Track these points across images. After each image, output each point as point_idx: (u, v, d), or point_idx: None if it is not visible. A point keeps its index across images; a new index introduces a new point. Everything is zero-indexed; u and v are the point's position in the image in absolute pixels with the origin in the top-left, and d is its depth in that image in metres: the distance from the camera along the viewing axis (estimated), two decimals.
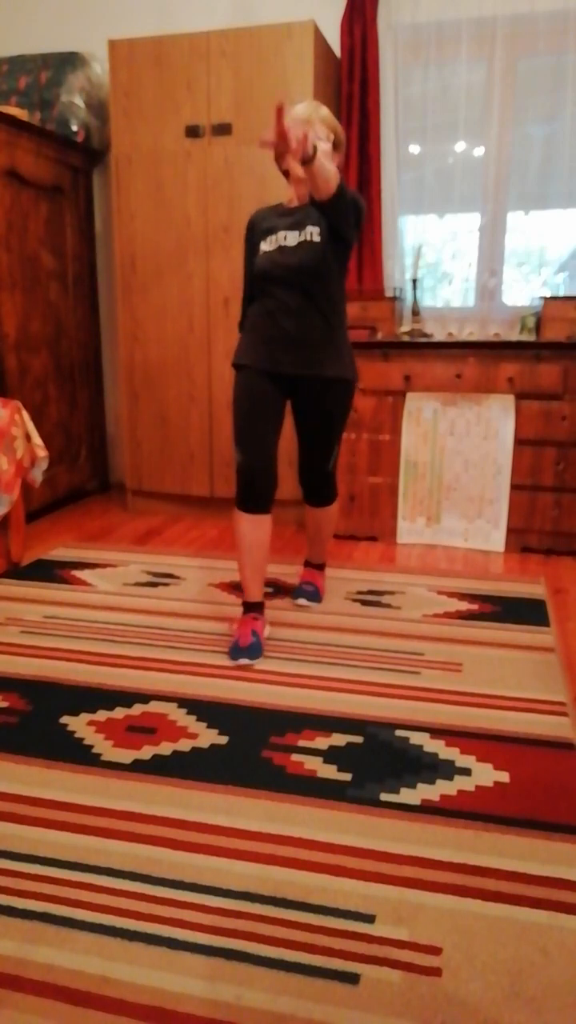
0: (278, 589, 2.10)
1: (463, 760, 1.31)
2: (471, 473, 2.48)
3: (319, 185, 1.48)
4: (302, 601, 1.97)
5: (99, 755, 1.32)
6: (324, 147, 1.61)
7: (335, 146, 1.69)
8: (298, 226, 1.70)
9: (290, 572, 2.24)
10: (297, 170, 1.55)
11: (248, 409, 1.67)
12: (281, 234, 1.70)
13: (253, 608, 1.74)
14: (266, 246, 1.72)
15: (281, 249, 1.69)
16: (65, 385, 2.92)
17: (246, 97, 2.46)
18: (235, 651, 1.65)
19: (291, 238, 1.69)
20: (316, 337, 1.68)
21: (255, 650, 1.66)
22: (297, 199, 1.73)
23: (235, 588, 2.11)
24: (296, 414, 1.80)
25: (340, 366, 1.72)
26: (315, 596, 1.99)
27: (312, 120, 1.63)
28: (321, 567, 2.06)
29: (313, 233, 1.68)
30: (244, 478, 1.67)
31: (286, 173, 1.72)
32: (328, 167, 1.48)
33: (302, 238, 1.69)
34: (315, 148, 1.42)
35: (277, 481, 1.70)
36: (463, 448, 2.47)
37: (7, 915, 0.97)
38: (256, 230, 1.76)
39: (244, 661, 1.64)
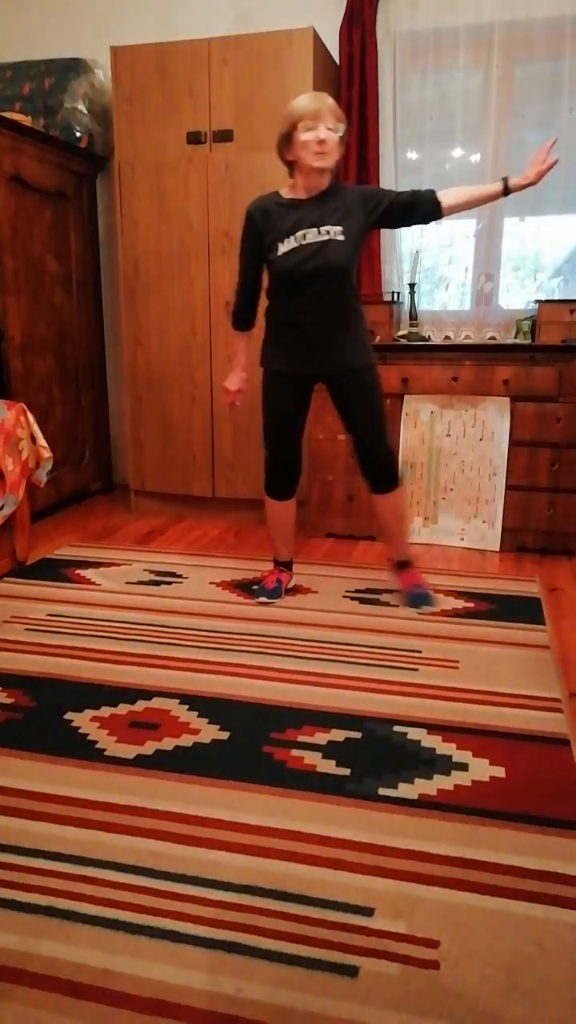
0: (408, 596, 2.09)
1: (460, 755, 1.33)
2: (468, 474, 2.50)
3: (470, 207, 1.81)
4: (424, 608, 1.92)
5: (102, 750, 1.34)
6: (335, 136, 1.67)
7: (340, 136, 1.69)
8: (317, 223, 1.69)
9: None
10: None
11: (274, 413, 1.88)
12: (300, 233, 1.69)
13: (281, 564, 2.09)
14: (284, 246, 1.71)
15: (303, 248, 1.69)
16: (69, 388, 2.94)
17: (247, 104, 2.48)
18: (259, 591, 2.00)
19: (311, 235, 1.69)
20: (339, 333, 1.76)
21: (275, 593, 2.00)
22: (305, 190, 1.72)
23: (236, 587, 2.13)
24: (337, 406, 1.87)
25: (363, 354, 1.80)
26: (428, 599, 1.93)
27: (323, 111, 1.63)
28: (411, 564, 2.01)
29: (334, 232, 1.69)
30: (270, 471, 1.94)
31: (290, 163, 1.72)
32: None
33: (324, 236, 1.69)
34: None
35: (300, 472, 1.96)
36: (460, 449, 2.49)
37: (10, 909, 0.99)
38: (265, 226, 1.73)
39: (263, 599, 1.97)
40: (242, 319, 1.90)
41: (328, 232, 1.69)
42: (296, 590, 2.11)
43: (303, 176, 1.71)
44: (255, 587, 2.09)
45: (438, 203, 1.77)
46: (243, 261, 1.84)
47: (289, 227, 1.71)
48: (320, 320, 1.74)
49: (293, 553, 2.12)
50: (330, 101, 1.67)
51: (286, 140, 1.69)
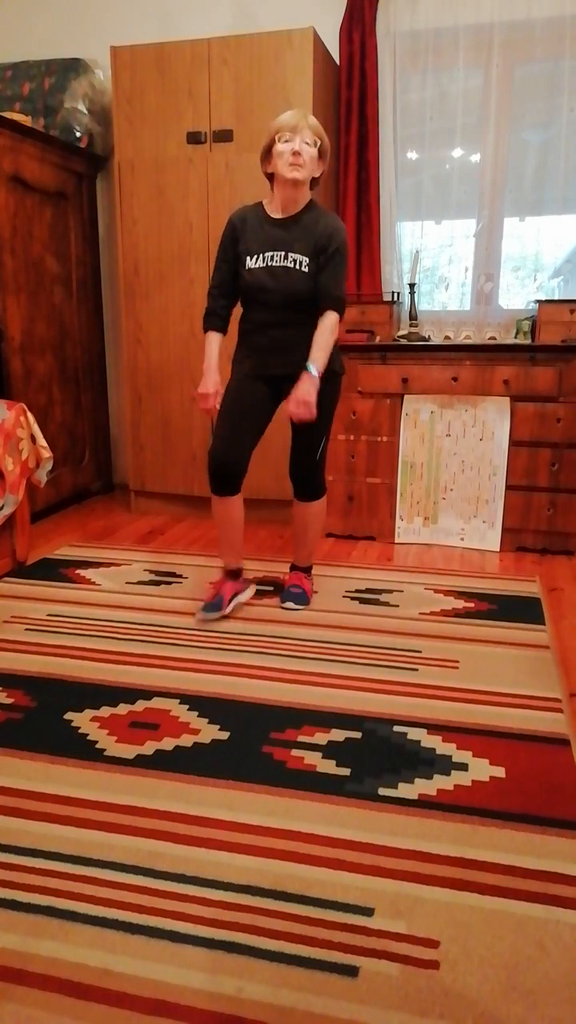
0: (278, 587, 2.12)
1: (460, 755, 1.33)
2: (468, 474, 2.50)
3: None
4: (290, 605, 1.96)
5: (102, 750, 1.34)
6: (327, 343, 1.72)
7: (320, 153, 1.74)
8: (285, 247, 1.75)
9: (286, 571, 2.25)
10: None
11: (231, 407, 1.83)
12: (269, 254, 1.76)
13: (227, 574, 1.96)
14: (252, 263, 1.78)
15: (269, 269, 1.76)
16: (69, 387, 2.94)
17: (247, 104, 2.48)
18: (201, 607, 1.91)
19: (278, 258, 1.75)
20: (302, 342, 1.78)
21: (212, 607, 1.89)
22: (282, 208, 1.77)
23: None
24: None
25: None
26: (302, 599, 1.97)
27: (301, 126, 1.68)
28: (308, 570, 2.07)
29: (300, 262, 1.75)
30: (211, 466, 1.82)
31: (270, 176, 1.77)
32: (328, 350, 1.74)
33: (289, 263, 1.75)
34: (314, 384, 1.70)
35: (244, 470, 1.83)
36: (460, 449, 2.49)
37: (11, 909, 0.99)
38: (240, 238, 1.79)
39: (200, 615, 1.88)
40: (215, 318, 1.85)
41: (295, 261, 1.74)
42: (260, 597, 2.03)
43: (279, 188, 1.75)
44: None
45: (321, 314, 1.75)
46: (219, 263, 1.85)
47: (259, 245, 1.77)
48: (282, 329, 1.79)
49: (240, 559, 1.95)
50: (313, 120, 1.71)
51: (266, 152, 1.75)
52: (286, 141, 1.69)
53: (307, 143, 1.69)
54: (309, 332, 1.78)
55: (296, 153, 1.68)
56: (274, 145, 1.71)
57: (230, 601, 1.92)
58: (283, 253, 1.75)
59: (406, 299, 2.72)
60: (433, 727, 1.41)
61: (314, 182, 1.79)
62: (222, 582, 1.95)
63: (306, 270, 1.74)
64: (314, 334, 1.74)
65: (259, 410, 1.85)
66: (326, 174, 1.87)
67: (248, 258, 1.78)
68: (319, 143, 1.72)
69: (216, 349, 1.86)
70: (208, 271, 2.64)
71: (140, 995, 0.87)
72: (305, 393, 1.70)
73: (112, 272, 3.15)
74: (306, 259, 1.74)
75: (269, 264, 1.76)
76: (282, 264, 1.75)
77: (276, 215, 1.78)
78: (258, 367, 1.84)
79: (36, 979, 0.89)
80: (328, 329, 1.73)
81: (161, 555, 2.42)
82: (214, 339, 1.87)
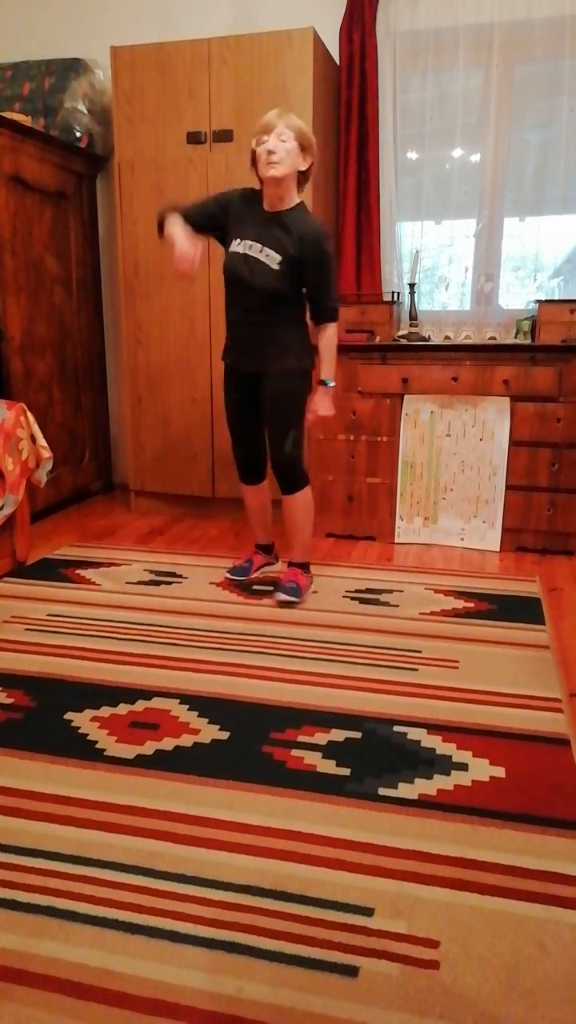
0: (277, 586, 2.12)
1: (460, 755, 1.33)
2: (468, 474, 2.50)
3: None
4: (280, 596, 1.97)
5: (102, 750, 1.34)
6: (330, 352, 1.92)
7: (303, 146, 1.78)
8: (264, 242, 1.81)
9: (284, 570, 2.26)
10: None
11: (227, 401, 2.05)
12: (248, 243, 1.83)
13: (258, 548, 2.24)
14: (234, 246, 1.85)
15: (245, 257, 1.83)
16: (69, 387, 2.94)
17: (247, 104, 2.48)
18: (229, 569, 2.18)
19: (255, 250, 1.82)
20: (266, 339, 1.90)
21: (239, 571, 2.16)
22: (268, 205, 1.84)
23: (236, 587, 2.13)
24: (261, 403, 2.01)
25: (285, 360, 1.90)
26: (294, 592, 1.98)
27: (273, 123, 1.73)
28: (304, 567, 2.09)
29: (272, 259, 1.80)
30: (237, 461, 2.11)
31: (262, 181, 1.83)
32: (335, 358, 1.95)
33: (263, 258, 1.81)
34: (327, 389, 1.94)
35: (264, 460, 2.10)
36: (460, 449, 2.49)
37: (11, 909, 0.99)
38: (231, 216, 1.86)
39: (228, 576, 2.16)
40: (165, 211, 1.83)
41: (267, 256, 1.81)
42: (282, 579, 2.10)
43: (265, 187, 1.82)
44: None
45: (318, 322, 1.91)
46: (199, 205, 1.89)
47: (243, 231, 1.84)
48: (251, 325, 1.89)
49: (270, 537, 2.24)
50: (289, 117, 1.75)
51: (252, 159, 1.82)
52: (261, 144, 1.75)
53: (282, 140, 1.74)
54: (278, 331, 1.88)
55: (270, 152, 1.73)
56: (255, 151, 1.77)
57: (258, 570, 2.20)
58: (260, 246, 1.81)
59: (406, 299, 2.72)
60: (433, 727, 1.42)
61: (304, 178, 1.83)
62: (253, 552, 2.22)
63: (277, 268, 1.80)
64: (320, 347, 1.91)
65: (248, 401, 2.02)
66: (321, 172, 1.90)
67: (232, 240, 1.85)
68: (295, 135, 1.75)
69: (179, 221, 1.80)
70: (208, 271, 2.64)
71: (140, 995, 0.87)
72: (324, 407, 1.95)
73: (112, 272, 3.15)
74: (279, 258, 1.80)
75: (246, 252, 1.82)
76: (256, 257, 1.81)
77: (264, 208, 1.85)
78: (235, 360, 1.97)
79: (36, 979, 0.89)
80: (331, 341, 1.93)
81: (161, 555, 2.42)
82: (174, 215, 1.82)
